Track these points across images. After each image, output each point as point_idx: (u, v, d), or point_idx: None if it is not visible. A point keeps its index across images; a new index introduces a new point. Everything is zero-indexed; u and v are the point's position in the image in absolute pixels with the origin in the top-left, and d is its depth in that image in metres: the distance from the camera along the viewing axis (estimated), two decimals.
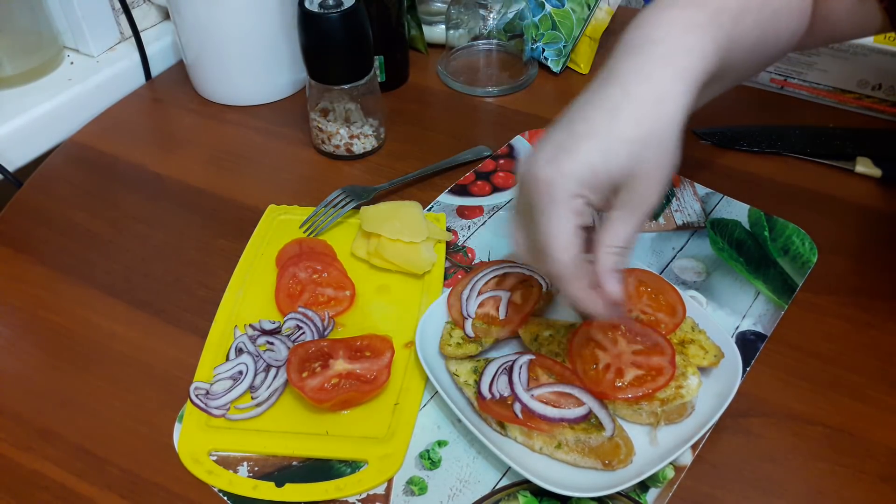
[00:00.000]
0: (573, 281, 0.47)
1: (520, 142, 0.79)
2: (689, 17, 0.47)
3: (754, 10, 0.51)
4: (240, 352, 0.58)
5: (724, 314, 0.61)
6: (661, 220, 0.70)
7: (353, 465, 0.52)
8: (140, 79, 0.91)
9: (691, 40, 0.46)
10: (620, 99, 0.45)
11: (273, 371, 0.57)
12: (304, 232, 0.69)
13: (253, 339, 0.59)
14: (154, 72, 0.92)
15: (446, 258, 0.67)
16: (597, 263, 0.47)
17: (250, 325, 0.60)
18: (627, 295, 0.59)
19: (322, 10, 0.70)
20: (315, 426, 0.54)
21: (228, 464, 0.53)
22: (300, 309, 0.60)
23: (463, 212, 0.71)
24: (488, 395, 0.52)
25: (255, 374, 0.57)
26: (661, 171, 0.45)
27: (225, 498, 0.51)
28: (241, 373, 0.57)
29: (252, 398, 0.56)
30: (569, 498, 0.50)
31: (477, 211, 0.71)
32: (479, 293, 0.60)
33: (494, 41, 0.91)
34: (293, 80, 0.88)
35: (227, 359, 0.58)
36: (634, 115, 0.45)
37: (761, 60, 0.57)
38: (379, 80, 0.83)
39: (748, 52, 0.52)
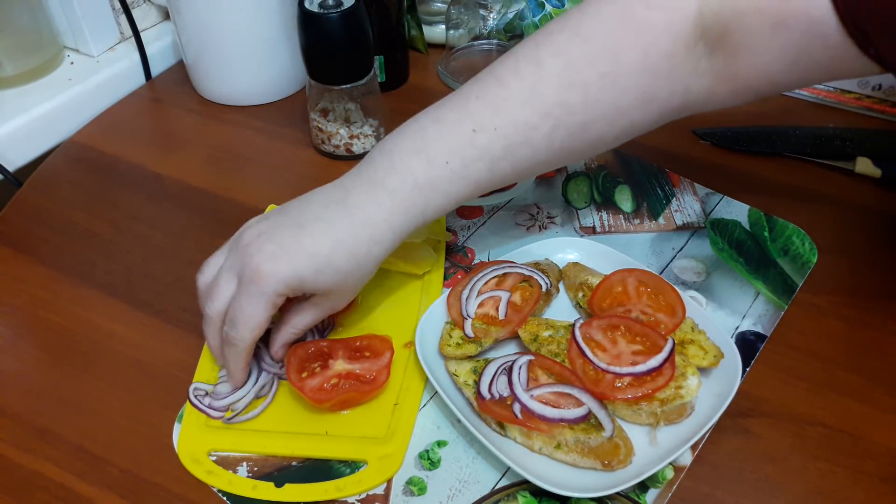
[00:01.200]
0: (231, 347, 0.53)
1: None
2: (424, 171, 0.52)
3: (531, 142, 0.52)
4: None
5: (724, 314, 0.61)
6: (661, 220, 0.70)
7: (353, 466, 0.52)
8: (140, 79, 0.91)
9: (419, 200, 0.52)
10: (346, 234, 0.52)
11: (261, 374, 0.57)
12: None
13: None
14: (154, 72, 0.92)
15: (446, 258, 0.67)
16: (276, 334, 0.55)
17: None
18: (626, 295, 0.59)
19: (322, 10, 0.70)
20: (315, 426, 0.54)
21: (228, 464, 0.53)
22: None
23: (463, 212, 0.71)
24: (488, 396, 0.52)
25: (260, 374, 0.56)
26: (356, 290, 0.55)
27: (224, 498, 0.51)
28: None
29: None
30: (568, 498, 0.50)
31: (477, 211, 0.71)
32: (479, 293, 0.60)
33: (494, 41, 0.91)
34: (293, 80, 0.88)
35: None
36: (352, 250, 0.52)
37: (603, 144, 0.55)
38: (379, 80, 0.83)
39: (553, 156, 0.54)
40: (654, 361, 0.53)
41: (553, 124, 0.52)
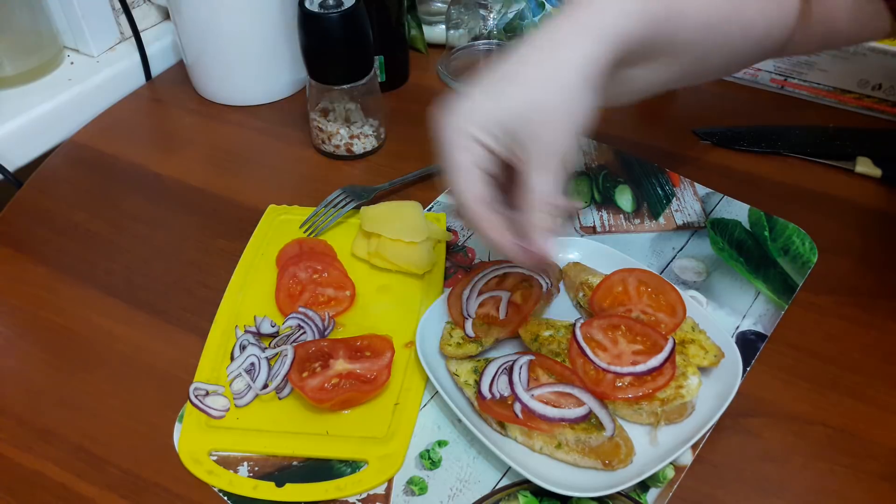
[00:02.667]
0: (482, 222, 0.47)
1: None
2: None
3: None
4: (243, 348, 0.58)
5: (724, 314, 0.61)
6: (661, 219, 0.70)
7: (354, 465, 0.52)
8: (140, 79, 0.91)
9: (614, 3, 0.46)
10: (526, 50, 0.46)
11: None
12: (304, 232, 0.69)
13: (255, 335, 0.60)
14: (154, 72, 0.92)
15: (446, 258, 0.67)
16: (524, 218, 0.47)
17: (247, 329, 0.60)
18: (627, 295, 0.59)
19: (322, 10, 0.70)
20: (315, 426, 0.54)
21: (229, 464, 0.53)
22: (300, 309, 0.60)
23: None
24: (488, 395, 0.52)
25: (268, 364, 0.57)
26: (563, 118, 0.46)
27: (225, 498, 0.51)
28: (253, 364, 0.57)
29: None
30: (569, 498, 0.50)
31: None
32: (480, 293, 0.60)
33: (494, 41, 0.91)
34: (293, 80, 0.88)
35: (233, 358, 0.58)
36: (535, 61, 0.46)
37: (729, 49, 0.54)
38: (379, 80, 0.83)
39: (702, 31, 0.51)
40: (655, 361, 0.53)
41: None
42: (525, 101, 0.45)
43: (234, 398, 0.56)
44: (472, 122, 0.46)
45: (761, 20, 0.55)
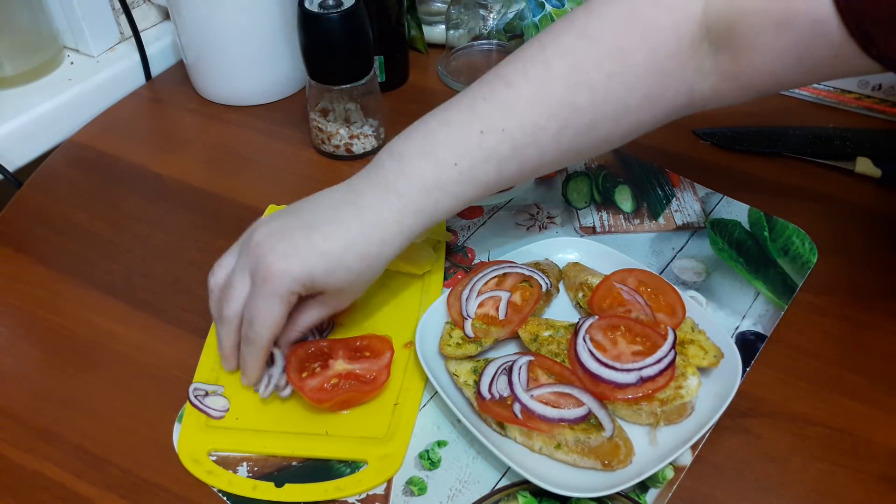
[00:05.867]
0: (250, 346, 0.54)
1: None
2: (433, 174, 0.52)
3: (538, 143, 0.53)
4: None
5: (724, 314, 0.61)
6: (661, 220, 0.70)
7: (353, 466, 0.52)
8: (140, 79, 0.91)
9: (428, 202, 0.53)
10: (357, 235, 0.52)
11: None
12: None
13: None
14: (154, 72, 0.92)
15: (446, 258, 0.67)
16: (283, 334, 0.55)
17: None
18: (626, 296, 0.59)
19: (322, 10, 0.70)
20: (315, 426, 0.54)
21: (228, 464, 0.53)
22: None
23: (463, 212, 0.71)
24: (488, 396, 0.52)
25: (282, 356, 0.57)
26: (363, 289, 0.56)
27: (225, 498, 0.51)
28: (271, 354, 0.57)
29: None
30: (568, 498, 0.50)
31: (477, 211, 0.71)
32: (479, 293, 0.60)
33: (494, 41, 0.91)
34: (293, 80, 0.88)
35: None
36: (363, 251, 0.52)
37: (608, 144, 0.56)
38: (379, 80, 0.83)
39: (560, 156, 0.54)
40: (653, 361, 0.53)
41: (560, 125, 0.52)
42: (345, 280, 0.53)
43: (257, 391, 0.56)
44: (298, 282, 0.51)
45: (631, 122, 0.54)
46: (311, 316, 0.55)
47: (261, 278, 0.51)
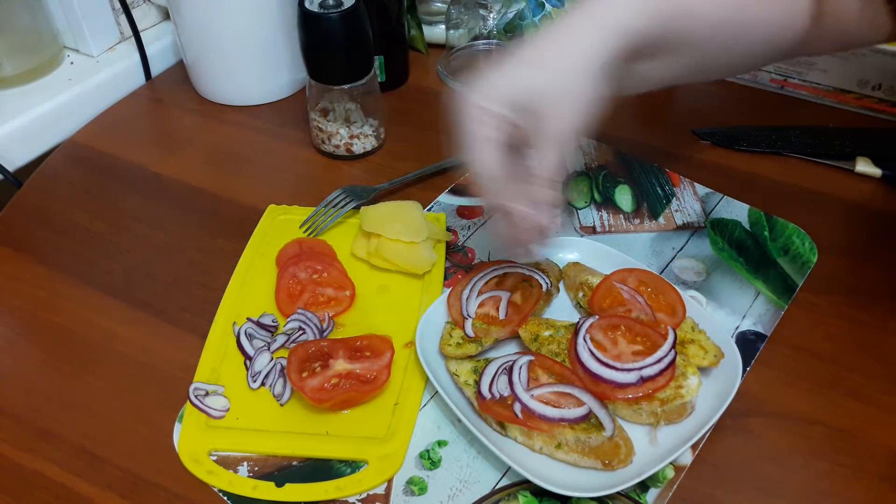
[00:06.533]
0: (500, 193, 0.50)
1: None
2: None
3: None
4: (250, 336, 0.59)
5: (724, 314, 0.61)
6: (661, 219, 0.70)
7: (353, 465, 0.52)
8: (140, 79, 0.91)
9: (624, 1, 0.50)
10: (541, 39, 0.50)
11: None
12: (304, 232, 0.69)
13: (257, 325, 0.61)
14: (154, 72, 0.92)
15: (446, 258, 0.67)
16: (529, 191, 0.50)
17: (249, 319, 0.61)
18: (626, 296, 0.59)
19: (322, 10, 0.70)
20: (315, 426, 0.54)
21: (228, 464, 0.53)
22: (299, 311, 0.60)
23: (463, 212, 0.71)
24: (488, 395, 0.52)
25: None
26: (573, 101, 0.49)
27: (225, 498, 0.51)
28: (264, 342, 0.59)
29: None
30: (569, 498, 0.50)
31: (477, 211, 0.71)
32: (479, 293, 0.60)
33: (494, 41, 0.91)
34: (293, 80, 0.88)
35: (241, 348, 0.59)
36: (550, 49, 0.50)
37: (738, 49, 0.57)
38: (379, 80, 0.83)
39: (710, 30, 0.54)
40: (653, 360, 0.53)
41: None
42: (539, 82, 0.49)
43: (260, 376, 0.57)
44: (489, 98, 0.49)
45: (770, 21, 0.56)
46: (542, 154, 0.50)
47: (459, 115, 0.50)
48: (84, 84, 0.86)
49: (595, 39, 0.50)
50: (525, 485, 0.51)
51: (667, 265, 0.66)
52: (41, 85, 0.85)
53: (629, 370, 0.52)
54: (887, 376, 0.57)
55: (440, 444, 0.54)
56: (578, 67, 0.49)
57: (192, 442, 0.54)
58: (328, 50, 0.71)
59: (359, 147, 0.78)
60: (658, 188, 0.73)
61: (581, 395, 0.52)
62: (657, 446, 0.52)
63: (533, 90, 0.49)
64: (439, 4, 0.94)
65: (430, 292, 0.63)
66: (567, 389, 0.52)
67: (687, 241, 0.68)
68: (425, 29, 0.93)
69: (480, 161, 0.50)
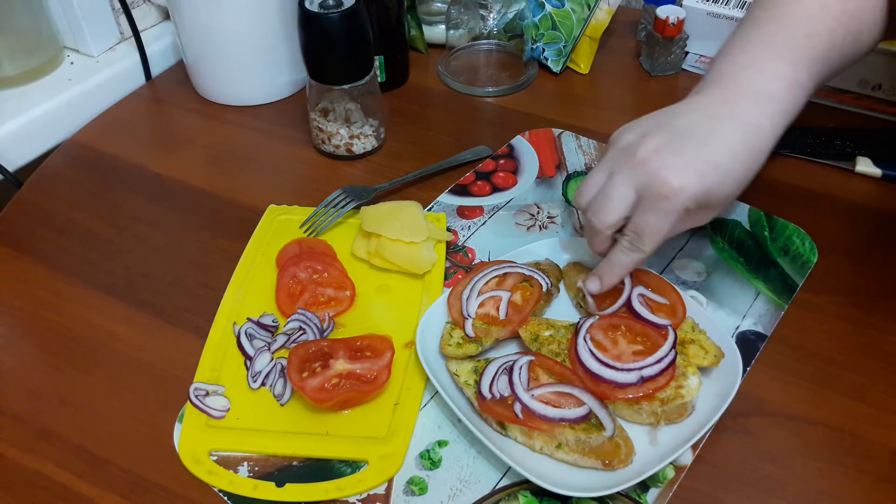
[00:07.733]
0: (632, 255, 0.55)
1: (520, 142, 0.79)
2: (791, 72, 0.54)
3: (839, 46, 0.56)
4: (251, 336, 0.59)
5: (724, 314, 0.61)
6: None
7: (354, 465, 0.52)
8: (140, 79, 0.91)
9: (792, 102, 0.54)
10: (740, 145, 0.52)
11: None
12: (304, 232, 0.69)
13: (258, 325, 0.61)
14: (154, 72, 0.92)
15: (446, 258, 0.67)
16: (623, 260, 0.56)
17: (249, 319, 0.61)
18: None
19: (322, 10, 0.70)
20: (315, 426, 0.54)
21: (229, 464, 0.53)
22: (300, 311, 0.60)
23: (463, 212, 0.71)
24: (488, 395, 0.52)
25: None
26: (738, 189, 0.54)
27: (225, 498, 0.51)
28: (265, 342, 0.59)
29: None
30: (569, 498, 0.50)
31: (477, 211, 0.71)
32: (480, 293, 0.60)
33: (494, 41, 0.91)
34: (293, 80, 0.88)
35: (242, 348, 0.59)
36: (746, 160, 0.53)
37: (856, 59, 0.60)
38: (379, 80, 0.83)
39: (842, 57, 0.58)
40: (653, 360, 0.53)
41: (844, 31, 0.56)
42: (732, 191, 0.53)
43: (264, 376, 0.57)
44: (691, 198, 0.52)
45: (865, 46, 0.59)
46: (686, 227, 0.55)
47: (656, 195, 0.52)
48: (84, 84, 0.86)
49: (766, 151, 0.54)
50: (525, 485, 0.51)
51: (667, 265, 0.66)
52: (41, 85, 0.85)
53: (629, 370, 0.52)
54: (887, 376, 0.57)
55: (440, 444, 0.54)
56: (754, 170, 0.54)
57: (193, 442, 0.54)
58: (328, 50, 0.71)
59: (359, 147, 0.78)
60: None
61: (581, 395, 0.52)
62: (657, 446, 0.52)
63: (716, 195, 0.53)
64: (439, 4, 0.94)
65: (430, 292, 0.63)
66: (567, 389, 0.52)
67: (687, 241, 0.68)
68: (425, 29, 0.93)
69: (608, 213, 0.54)
